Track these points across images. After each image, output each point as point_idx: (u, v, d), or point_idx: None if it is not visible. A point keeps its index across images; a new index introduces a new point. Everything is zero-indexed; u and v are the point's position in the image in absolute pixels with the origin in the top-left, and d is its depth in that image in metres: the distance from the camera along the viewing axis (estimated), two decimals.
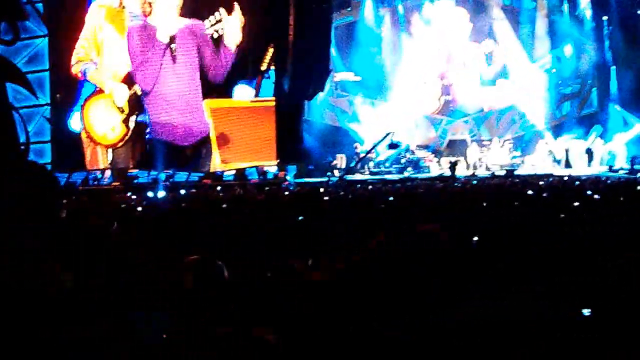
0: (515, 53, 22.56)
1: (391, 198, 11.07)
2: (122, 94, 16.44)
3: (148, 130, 16.62)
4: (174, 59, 16.11)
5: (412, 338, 3.63)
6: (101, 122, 16.69)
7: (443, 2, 22.33)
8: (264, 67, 18.06)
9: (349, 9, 21.74)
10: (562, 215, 8.58)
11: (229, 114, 17.58)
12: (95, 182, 16.60)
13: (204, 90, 16.70)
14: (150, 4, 16.00)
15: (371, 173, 19.35)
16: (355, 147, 20.14)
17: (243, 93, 17.85)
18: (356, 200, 11.71)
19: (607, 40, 21.99)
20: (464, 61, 22.51)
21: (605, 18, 22.10)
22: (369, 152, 19.77)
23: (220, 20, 15.48)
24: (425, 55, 22.43)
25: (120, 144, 16.65)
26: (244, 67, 17.61)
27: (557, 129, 21.59)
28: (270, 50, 17.86)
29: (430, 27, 22.44)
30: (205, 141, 17.07)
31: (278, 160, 17.64)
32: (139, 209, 10.30)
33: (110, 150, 16.80)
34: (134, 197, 12.07)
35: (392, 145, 19.68)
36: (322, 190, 13.13)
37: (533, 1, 22.80)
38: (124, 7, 16.81)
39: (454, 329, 3.65)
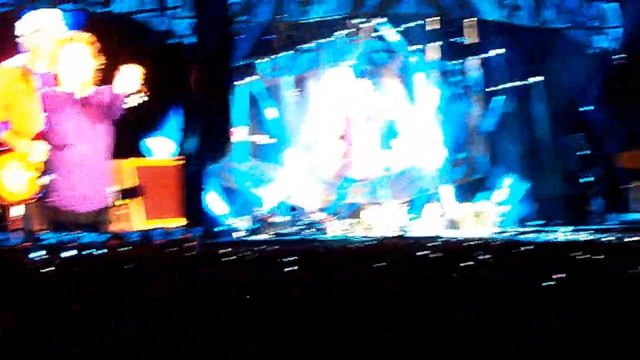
0: (413, 118, 23.73)
1: (293, 258, 11.89)
2: (37, 153, 16.89)
3: (47, 192, 17.10)
4: (83, 122, 16.72)
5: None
6: (11, 181, 17.13)
7: (344, 68, 23.29)
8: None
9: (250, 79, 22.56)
10: (454, 275, 9.55)
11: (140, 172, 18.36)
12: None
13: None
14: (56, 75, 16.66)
15: (272, 235, 19.93)
16: (256, 210, 20.82)
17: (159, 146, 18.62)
18: (260, 259, 12.50)
19: (496, 111, 23.46)
20: (363, 124, 23.49)
21: (494, 88, 23.58)
22: (269, 215, 20.44)
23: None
24: (326, 118, 23.41)
25: (30, 202, 17.05)
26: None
27: (447, 193, 22.58)
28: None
29: (331, 90, 23.45)
30: (107, 208, 17.63)
31: (185, 221, 18.23)
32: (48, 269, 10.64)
33: (20, 209, 17.14)
34: (44, 257, 12.38)
35: (292, 209, 20.43)
36: (224, 251, 13.92)
37: (426, 73, 24.05)
38: (30, 70, 17.29)
39: None
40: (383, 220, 21.12)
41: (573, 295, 8.20)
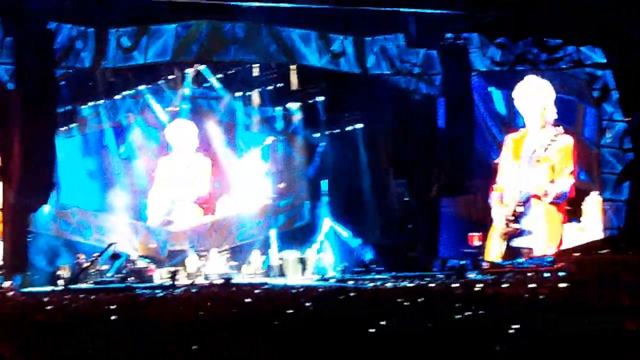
0: (234, 167, 23.82)
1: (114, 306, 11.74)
2: None
3: None
4: None
5: None
6: None
7: (177, 120, 23.35)
8: None
9: (71, 125, 22.24)
10: (276, 323, 9.61)
11: None
12: None
13: None
14: None
15: (94, 282, 19.62)
16: (78, 258, 20.41)
17: None
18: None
19: (319, 157, 23.79)
20: (185, 174, 23.42)
21: (316, 134, 23.92)
22: (92, 262, 20.11)
23: None
24: (150, 164, 23.29)
25: None
26: None
27: (273, 239, 22.69)
28: None
29: (155, 139, 23.32)
30: None
31: (3, 270, 17.76)
32: None
33: None
34: None
35: (114, 256, 20.17)
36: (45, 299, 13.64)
37: (249, 119, 24.21)
38: None
39: None
40: (207, 268, 21.02)
41: (399, 339, 8.36)
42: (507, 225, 19.44)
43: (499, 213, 19.85)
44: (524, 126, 20.53)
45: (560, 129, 19.78)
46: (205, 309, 11.81)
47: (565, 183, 19.24)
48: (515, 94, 20.28)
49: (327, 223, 23.19)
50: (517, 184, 19.62)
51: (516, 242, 19.09)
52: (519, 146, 19.87)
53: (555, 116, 19.90)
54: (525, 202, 19.37)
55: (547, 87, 19.90)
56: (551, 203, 19.41)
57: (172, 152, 23.68)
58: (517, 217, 19.32)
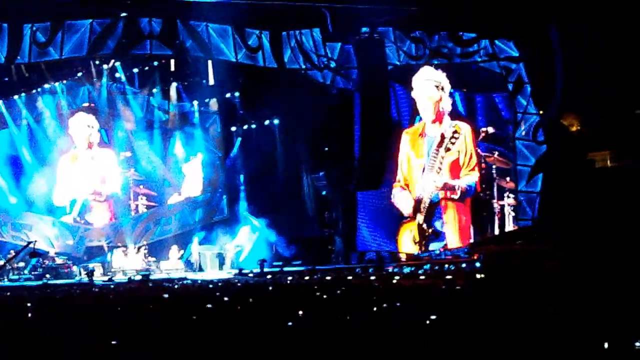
0: (152, 165, 23.65)
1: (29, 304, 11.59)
2: None
3: None
4: None
5: None
6: None
7: (76, 114, 22.93)
8: None
9: None
10: (194, 317, 9.54)
11: None
12: None
13: None
14: None
15: (10, 280, 19.32)
16: None
17: None
18: None
19: (236, 152, 23.71)
20: (104, 166, 23.20)
21: (233, 129, 23.83)
22: (8, 260, 19.80)
23: None
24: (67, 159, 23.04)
25: None
26: None
27: (189, 235, 22.56)
28: None
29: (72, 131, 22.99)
30: None
31: None
32: None
33: None
34: None
35: (34, 254, 19.84)
36: None
37: (166, 114, 24.02)
38: None
39: None
40: (125, 264, 20.84)
41: (316, 332, 8.34)
42: (421, 228, 19.27)
43: (407, 206, 19.69)
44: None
45: (455, 121, 19.63)
46: (123, 305, 11.71)
47: (471, 178, 19.18)
48: (412, 85, 20.11)
49: (244, 217, 23.12)
50: (422, 184, 19.40)
51: (432, 246, 19.07)
52: (416, 140, 19.83)
53: (450, 108, 19.77)
54: (436, 205, 19.29)
55: (440, 77, 19.74)
56: (458, 200, 19.32)
57: (75, 149, 23.30)
58: (428, 219, 19.22)
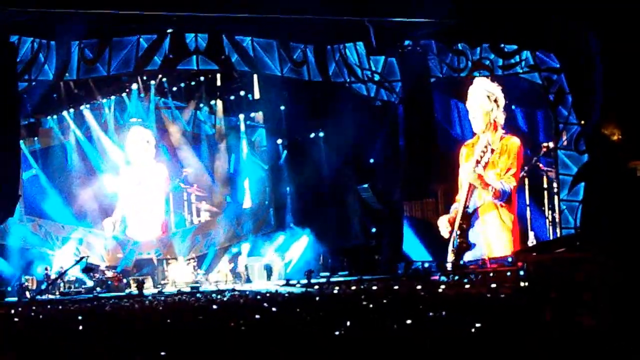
0: (199, 176, 23.81)
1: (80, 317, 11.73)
2: None
3: None
4: None
5: None
6: None
7: (133, 128, 23.16)
8: None
9: (35, 137, 22.24)
10: (243, 328, 9.61)
11: None
12: None
13: None
14: None
15: (62, 294, 19.53)
16: (46, 269, 20.26)
17: None
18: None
19: (283, 165, 23.82)
20: (151, 183, 23.38)
21: (279, 142, 23.94)
22: (61, 275, 20.00)
23: None
24: (118, 177, 23.24)
25: None
26: None
27: (238, 247, 22.69)
28: None
29: (120, 149, 23.22)
30: None
31: None
32: None
33: None
34: None
35: (86, 269, 20.11)
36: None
37: (212, 128, 24.23)
38: None
39: None
40: (175, 276, 20.99)
41: (363, 341, 8.39)
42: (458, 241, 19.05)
43: (442, 225, 19.43)
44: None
45: (504, 132, 19.49)
46: (173, 317, 11.81)
47: (507, 183, 18.90)
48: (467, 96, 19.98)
49: (292, 229, 23.19)
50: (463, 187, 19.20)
51: (467, 257, 18.92)
52: (470, 151, 19.68)
53: (502, 121, 19.58)
54: (472, 215, 19.06)
55: (494, 89, 19.60)
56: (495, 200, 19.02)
57: (131, 165, 23.57)
58: (462, 231, 18.97)
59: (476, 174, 18.20)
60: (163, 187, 23.62)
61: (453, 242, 18.56)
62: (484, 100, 19.28)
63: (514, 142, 19.04)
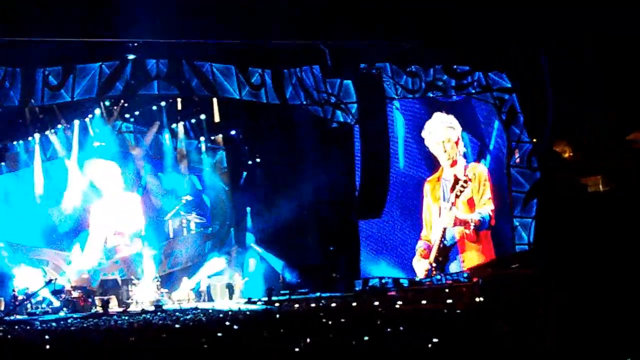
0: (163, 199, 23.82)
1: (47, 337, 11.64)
2: None
3: None
4: None
5: None
6: None
7: (93, 162, 23.09)
8: None
9: (2, 162, 22.12)
10: (205, 346, 9.56)
11: None
12: None
13: None
14: None
15: (29, 314, 19.34)
16: (13, 291, 20.09)
17: None
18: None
19: (243, 185, 23.81)
20: (119, 210, 23.28)
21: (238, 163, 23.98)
22: (29, 296, 19.88)
23: None
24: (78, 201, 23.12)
25: None
26: None
27: (199, 267, 22.60)
28: None
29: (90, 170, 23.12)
30: None
31: None
32: None
33: None
34: None
35: (56, 292, 20.04)
36: None
37: (174, 151, 24.15)
38: None
39: None
40: (139, 296, 20.87)
41: (324, 356, 8.35)
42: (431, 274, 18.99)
43: (420, 267, 19.38)
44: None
45: (466, 161, 19.60)
46: (137, 335, 11.75)
47: (484, 210, 18.91)
48: (424, 133, 20.04)
49: (252, 248, 23.17)
50: (438, 226, 19.11)
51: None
52: (434, 185, 19.70)
53: (464, 149, 19.73)
54: (450, 248, 19.01)
55: (452, 121, 19.70)
56: (474, 232, 18.95)
57: (103, 197, 23.43)
58: (439, 264, 18.92)
59: (452, 216, 18.32)
60: (136, 215, 23.51)
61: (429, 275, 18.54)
62: (447, 131, 19.39)
63: (480, 168, 19.18)
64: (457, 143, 19.46)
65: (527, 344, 7.47)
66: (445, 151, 19.39)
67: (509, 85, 21.50)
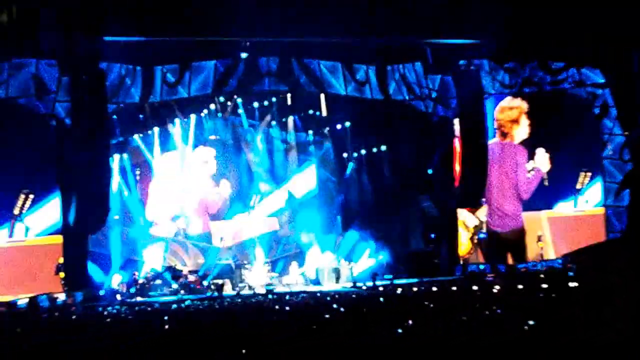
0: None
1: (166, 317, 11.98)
2: None
3: None
4: None
5: None
6: None
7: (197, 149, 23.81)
8: (16, 212, 19.08)
9: (124, 154, 22.92)
10: (314, 327, 9.74)
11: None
12: None
13: None
14: None
15: (148, 296, 19.81)
16: (134, 274, 20.59)
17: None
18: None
19: (349, 176, 24.01)
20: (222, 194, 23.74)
21: (345, 155, 24.15)
22: (149, 280, 20.36)
23: None
24: (194, 188, 23.61)
25: None
26: None
27: (310, 251, 22.88)
28: (22, 197, 18.82)
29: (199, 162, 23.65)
30: None
31: (66, 289, 17.97)
32: None
33: None
34: None
35: (175, 276, 20.48)
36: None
37: (284, 144, 24.48)
38: None
39: None
40: (251, 280, 21.21)
41: (425, 340, 8.46)
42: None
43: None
44: None
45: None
46: (250, 317, 11.99)
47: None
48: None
49: (357, 236, 23.30)
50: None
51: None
52: None
53: (526, 135, 19.48)
54: None
55: (518, 104, 19.48)
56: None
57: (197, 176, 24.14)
58: None
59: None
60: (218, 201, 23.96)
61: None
62: (507, 114, 19.27)
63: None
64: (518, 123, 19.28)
65: (599, 333, 7.48)
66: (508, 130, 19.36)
67: (602, 81, 21.34)
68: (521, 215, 18.66)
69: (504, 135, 19.03)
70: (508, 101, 19.37)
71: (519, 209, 18.68)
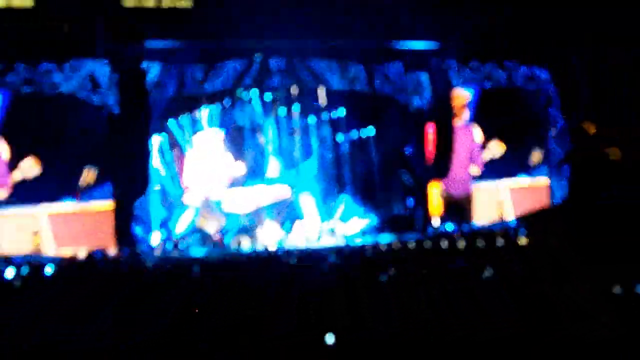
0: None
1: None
2: None
3: None
4: None
5: None
6: None
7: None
8: (82, 184, 19.02)
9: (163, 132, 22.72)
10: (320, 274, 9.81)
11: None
12: None
13: None
14: None
15: (179, 251, 20.06)
16: (170, 233, 20.70)
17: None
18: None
19: (343, 155, 24.07)
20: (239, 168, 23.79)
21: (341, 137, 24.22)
22: (182, 237, 20.56)
23: None
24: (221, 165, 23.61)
25: None
26: None
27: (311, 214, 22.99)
28: (86, 172, 18.93)
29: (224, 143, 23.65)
30: None
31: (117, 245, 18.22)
32: None
33: None
34: None
35: (203, 236, 20.64)
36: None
37: (292, 128, 24.50)
38: None
39: None
40: (265, 237, 21.38)
41: (404, 285, 8.61)
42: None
43: None
44: None
45: None
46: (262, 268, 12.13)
47: None
48: None
49: (350, 202, 23.45)
50: None
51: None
52: None
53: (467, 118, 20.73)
54: None
55: (464, 93, 20.85)
56: None
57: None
58: None
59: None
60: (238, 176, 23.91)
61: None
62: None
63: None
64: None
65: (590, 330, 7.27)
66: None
67: (548, 77, 21.68)
68: (470, 182, 19.42)
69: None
70: (457, 91, 20.38)
71: (468, 177, 19.72)
